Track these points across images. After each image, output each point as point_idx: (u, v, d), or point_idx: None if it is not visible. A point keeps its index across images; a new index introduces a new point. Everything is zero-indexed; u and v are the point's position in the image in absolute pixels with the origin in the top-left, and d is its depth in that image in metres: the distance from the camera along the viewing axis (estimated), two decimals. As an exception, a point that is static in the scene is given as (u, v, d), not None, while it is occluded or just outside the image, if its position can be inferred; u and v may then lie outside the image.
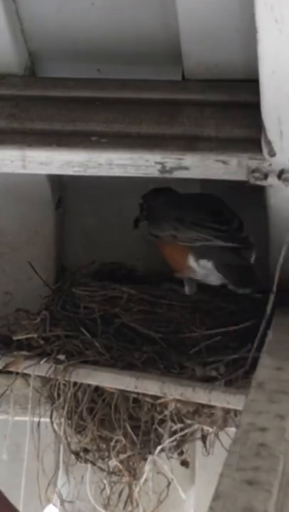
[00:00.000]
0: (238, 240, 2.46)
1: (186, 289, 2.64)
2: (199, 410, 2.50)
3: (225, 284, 2.55)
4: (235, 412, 2.49)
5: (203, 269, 2.54)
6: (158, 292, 2.63)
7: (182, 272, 2.61)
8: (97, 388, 2.54)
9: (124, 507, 2.62)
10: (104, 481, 2.63)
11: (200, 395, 2.41)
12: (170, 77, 2.38)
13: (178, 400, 2.46)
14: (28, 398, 2.61)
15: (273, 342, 2.15)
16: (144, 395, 2.47)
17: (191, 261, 2.55)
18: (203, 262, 2.53)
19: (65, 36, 2.39)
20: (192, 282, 2.63)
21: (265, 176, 2.18)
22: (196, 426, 2.55)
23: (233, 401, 2.37)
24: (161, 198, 2.69)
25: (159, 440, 2.54)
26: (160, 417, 2.51)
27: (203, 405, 2.47)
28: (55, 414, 2.62)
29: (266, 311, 2.31)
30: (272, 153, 2.13)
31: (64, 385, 2.56)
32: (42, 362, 2.56)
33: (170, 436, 2.53)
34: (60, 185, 2.86)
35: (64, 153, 2.26)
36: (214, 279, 2.55)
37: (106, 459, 2.60)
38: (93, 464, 2.62)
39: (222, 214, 2.55)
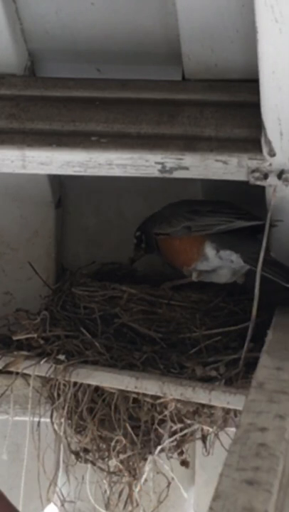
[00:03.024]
0: (259, 219, 2.37)
1: (194, 275, 2.61)
2: (199, 410, 2.50)
3: (231, 282, 2.55)
4: (235, 412, 2.49)
5: (219, 260, 2.52)
6: (158, 292, 2.63)
7: (192, 263, 2.57)
8: (97, 388, 2.54)
9: (124, 507, 2.62)
10: (105, 481, 2.63)
11: (200, 395, 2.41)
12: (170, 77, 2.38)
13: (178, 400, 2.45)
14: (28, 398, 2.61)
15: (273, 342, 2.15)
16: (144, 395, 2.48)
17: (208, 249, 2.52)
18: (226, 253, 2.50)
19: (65, 36, 2.39)
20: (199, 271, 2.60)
21: (265, 176, 2.18)
22: (196, 426, 2.55)
23: (233, 401, 2.37)
24: (163, 209, 2.67)
25: (159, 440, 2.54)
26: (160, 417, 2.51)
27: (203, 405, 2.47)
28: (55, 414, 2.62)
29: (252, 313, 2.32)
30: (272, 153, 2.13)
31: (64, 385, 2.56)
32: (42, 362, 2.56)
33: (170, 436, 2.53)
34: (60, 185, 2.86)
35: (64, 153, 2.26)
36: (225, 272, 2.55)
37: (106, 459, 2.60)
38: (93, 463, 2.63)
39: (236, 206, 2.54)
